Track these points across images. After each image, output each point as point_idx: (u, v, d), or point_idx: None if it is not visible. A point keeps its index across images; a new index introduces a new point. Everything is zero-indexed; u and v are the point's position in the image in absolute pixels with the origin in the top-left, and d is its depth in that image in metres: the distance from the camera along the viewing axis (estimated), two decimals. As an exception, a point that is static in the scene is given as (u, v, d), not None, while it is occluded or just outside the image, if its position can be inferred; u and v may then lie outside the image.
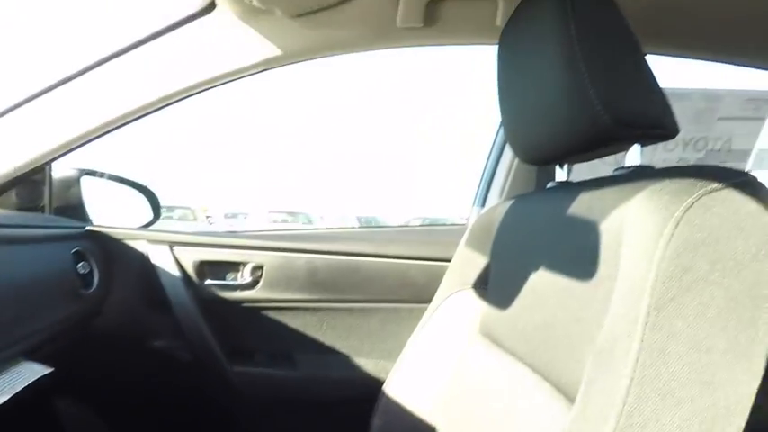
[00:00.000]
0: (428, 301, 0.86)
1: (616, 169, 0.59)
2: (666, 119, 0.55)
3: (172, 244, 1.05)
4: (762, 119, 1.16)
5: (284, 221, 9.04)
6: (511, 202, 0.76)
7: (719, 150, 1.19)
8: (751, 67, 1.03)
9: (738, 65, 1.03)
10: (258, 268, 1.07)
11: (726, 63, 1.02)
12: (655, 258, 0.40)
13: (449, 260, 0.87)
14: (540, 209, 0.67)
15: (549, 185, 0.72)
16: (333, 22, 0.88)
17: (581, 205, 0.55)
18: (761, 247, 0.40)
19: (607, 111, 0.51)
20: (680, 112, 1.14)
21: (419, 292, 1.06)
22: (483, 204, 1.13)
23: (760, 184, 0.43)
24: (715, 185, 0.41)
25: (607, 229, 0.48)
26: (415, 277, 1.09)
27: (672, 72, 1.04)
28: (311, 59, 0.94)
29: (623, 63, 0.54)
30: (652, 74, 0.55)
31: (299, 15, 0.85)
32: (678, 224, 0.40)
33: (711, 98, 1.12)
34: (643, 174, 0.52)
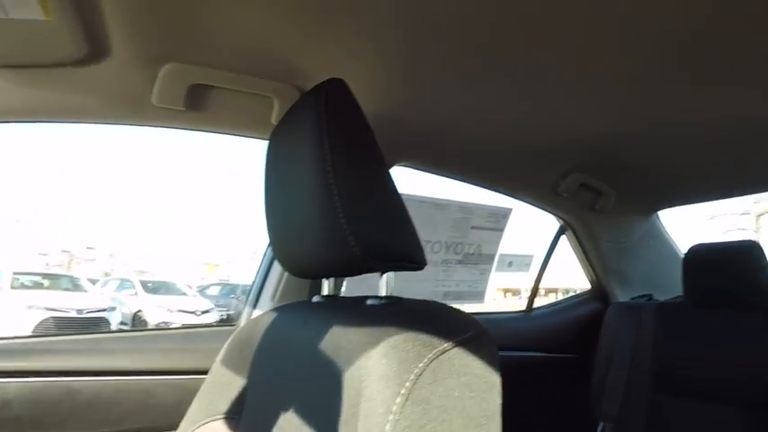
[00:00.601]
0: (176, 427, 0.69)
1: (370, 297, 0.57)
2: (414, 252, 0.56)
3: None
4: (501, 230, 1.40)
5: (37, 286, 6.69)
6: (274, 315, 0.68)
7: (473, 254, 1.39)
8: (490, 190, 1.25)
9: (479, 186, 1.24)
10: None
11: (470, 184, 1.21)
12: None
13: (207, 373, 0.72)
14: (298, 334, 0.60)
15: (315, 299, 0.68)
16: (61, 85, 0.70)
17: (332, 342, 0.51)
18: (486, 411, 0.41)
19: (358, 243, 0.49)
20: (442, 219, 1.31)
21: (166, 416, 0.87)
22: (255, 305, 1.02)
23: (485, 338, 0.45)
24: (445, 345, 0.42)
25: (350, 383, 0.45)
26: (163, 397, 0.89)
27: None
28: (30, 123, 0.73)
29: (375, 195, 0.54)
30: (403, 205, 0.55)
31: (7, 67, 0.65)
32: (407, 399, 0.39)
33: (465, 210, 1.31)
34: (391, 310, 0.52)
